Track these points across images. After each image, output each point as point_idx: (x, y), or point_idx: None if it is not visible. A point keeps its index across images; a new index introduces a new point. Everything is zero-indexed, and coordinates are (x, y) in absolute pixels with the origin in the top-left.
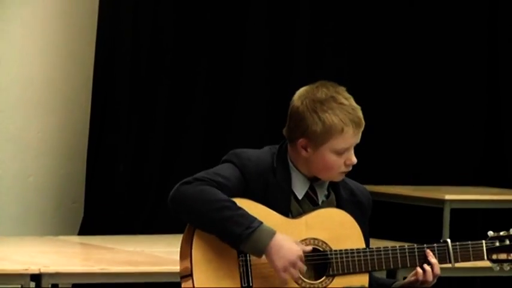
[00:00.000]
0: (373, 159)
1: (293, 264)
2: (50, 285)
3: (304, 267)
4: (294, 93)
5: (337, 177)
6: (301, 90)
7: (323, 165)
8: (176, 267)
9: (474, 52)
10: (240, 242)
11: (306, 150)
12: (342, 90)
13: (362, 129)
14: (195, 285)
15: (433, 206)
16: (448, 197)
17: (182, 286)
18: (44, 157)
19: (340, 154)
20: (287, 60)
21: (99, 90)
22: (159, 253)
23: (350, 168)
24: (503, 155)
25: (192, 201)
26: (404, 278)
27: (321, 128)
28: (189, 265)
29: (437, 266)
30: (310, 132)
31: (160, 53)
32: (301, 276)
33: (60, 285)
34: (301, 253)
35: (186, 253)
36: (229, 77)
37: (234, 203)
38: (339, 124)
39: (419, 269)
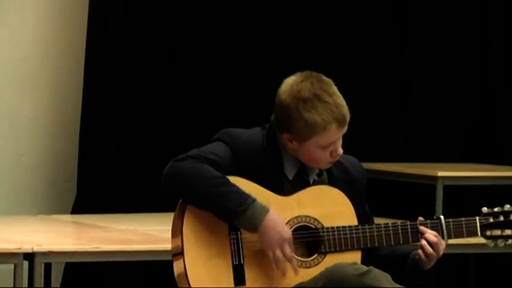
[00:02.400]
0: (365, 136)
1: (281, 245)
2: (43, 264)
3: (290, 253)
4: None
5: (325, 167)
6: (287, 82)
7: (309, 158)
8: (169, 246)
9: (464, 29)
10: (234, 217)
11: (292, 142)
12: (327, 85)
13: (347, 124)
14: (186, 263)
15: (426, 183)
16: (440, 173)
17: (174, 264)
18: (36, 136)
19: (325, 148)
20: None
21: (92, 69)
22: (152, 231)
23: (337, 159)
24: (496, 131)
25: (186, 178)
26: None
27: (304, 126)
28: (180, 243)
29: (434, 240)
30: (293, 130)
31: (153, 31)
32: (290, 257)
33: (53, 264)
34: (290, 236)
35: (177, 231)
36: (222, 58)
37: (228, 179)
38: (322, 123)
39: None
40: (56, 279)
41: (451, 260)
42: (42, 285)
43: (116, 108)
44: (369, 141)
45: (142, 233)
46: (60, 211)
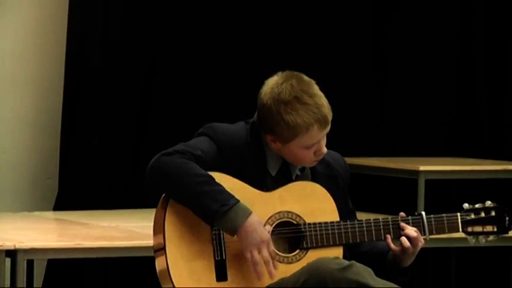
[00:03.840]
0: (346, 131)
1: (259, 248)
2: (25, 261)
3: (267, 256)
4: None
5: (310, 165)
6: (268, 84)
7: (293, 157)
8: (151, 242)
9: (444, 21)
10: (215, 218)
11: (275, 143)
12: (308, 86)
13: (329, 124)
14: (168, 259)
15: (408, 177)
16: (422, 168)
17: (156, 260)
18: (17, 133)
19: (308, 148)
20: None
21: (72, 65)
22: (134, 228)
23: (321, 157)
24: (478, 124)
25: (171, 173)
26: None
27: (285, 129)
28: (162, 239)
29: (414, 235)
30: (275, 132)
31: (133, 24)
32: (274, 249)
33: (35, 261)
34: (269, 240)
35: (159, 227)
36: (203, 52)
37: (213, 178)
38: (303, 125)
39: (403, 240)
40: (39, 276)
41: (433, 253)
42: (25, 283)
43: (97, 104)
44: (350, 136)
45: (124, 230)
46: (43, 208)
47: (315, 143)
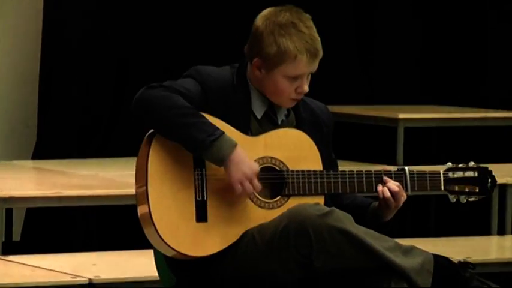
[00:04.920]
0: (325, 78)
1: (250, 179)
2: (4, 210)
3: (258, 186)
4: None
5: (287, 103)
6: (266, 10)
7: (274, 89)
8: (130, 190)
9: None
10: (202, 148)
11: (260, 70)
12: (306, 18)
13: (318, 59)
14: (150, 197)
15: (387, 125)
16: (402, 115)
17: (137, 198)
18: None
19: (291, 80)
20: None
21: (51, 15)
22: (113, 176)
23: (301, 96)
24: (457, 71)
25: (157, 105)
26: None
27: (275, 51)
28: (144, 178)
29: (396, 189)
30: (264, 54)
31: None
32: (256, 194)
33: (14, 210)
34: (258, 170)
35: (142, 166)
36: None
37: (197, 111)
38: (293, 50)
39: (385, 191)
40: (17, 228)
41: (412, 202)
42: (3, 232)
43: (75, 52)
44: (329, 84)
45: (103, 178)
46: (21, 157)
47: (299, 76)
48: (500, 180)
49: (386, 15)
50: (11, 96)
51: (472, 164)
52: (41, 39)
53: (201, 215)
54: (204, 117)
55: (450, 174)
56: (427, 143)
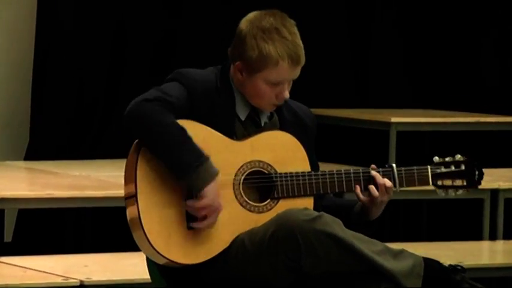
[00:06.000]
0: (318, 81)
1: (213, 214)
2: None
3: (213, 223)
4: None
5: (267, 108)
6: (251, 14)
7: (254, 93)
8: (123, 192)
9: None
10: (186, 172)
11: (242, 74)
12: (290, 24)
13: (300, 66)
14: (140, 207)
15: (379, 129)
16: (394, 119)
17: (127, 208)
18: None
19: (272, 86)
20: None
21: (44, 13)
22: (106, 177)
23: (281, 102)
24: (449, 76)
25: (149, 120)
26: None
27: (257, 56)
28: (133, 187)
29: (388, 185)
30: (246, 57)
31: None
32: (246, 198)
33: (6, 210)
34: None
35: (130, 173)
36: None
37: (185, 131)
38: (275, 56)
39: (372, 189)
40: (9, 229)
41: (404, 206)
42: None
43: (69, 52)
44: (322, 87)
45: (95, 179)
46: (14, 157)
47: (280, 82)
48: (492, 185)
49: (380, 19)
50: (3, 96)
51: (458, 157)
52: (35, 41)
53: (192, 223)
54: (190, 138)
55: (437, 169)
56: (420, 147)
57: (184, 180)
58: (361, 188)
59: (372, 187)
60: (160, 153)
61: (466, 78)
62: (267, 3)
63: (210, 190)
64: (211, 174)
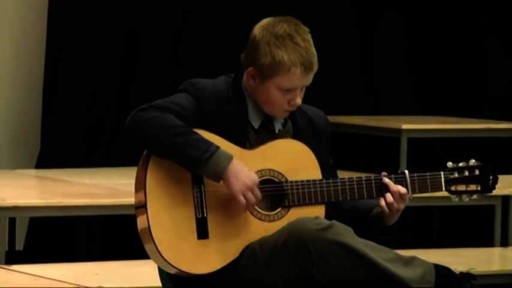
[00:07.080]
0: (329, 89)
1: (251, 189)
2: (7, 219)
3: (260, 195)
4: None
5: (280, 114)
6: (265, 20)
7: (266, 99)
8: (133, 200)
9: None
10: (198, 165)
11: (254, 80)
12: (304, 31)
13: (312, 73)
14: (149, 218)
15: (390, 136)
16: (405, 126)
17: (137, 218)
18: None
19: (284, 92)
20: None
21: (55, 22)
22: (116, 185)
23: (293, 109)
24: (459, 82)
25: (147, 127)
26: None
27: (269, 62)
28: (143, 197)
29: (402, 192)
30: (259, 63)
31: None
32: (256, 207)
33: (17, 219)
34: (257, 180)
35: (140, 185)
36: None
37: (190, 128)
38: (288, 63)
39: (388, 197)
40: (20, 238)
41: (414, 212)
42: (7, 241)
43: (79, 61)
44: (333, 94)
45: (106, 187)
46: (25, 165)
47: (292, 89)
48: (503, 191)
49: (389, 26)
50: (15, 105)
51: (472, 162)
52: (45, 49)
53: (202, 232)
54: (197, 133)
55: (451, 174)
56: (430, 154)
57: (201, 174)
58: (374, 195)
59: (388, 195)
60: (168, 156)
61: (476, 84)
62: (279, 9)
63: (230, 174)
64: (225, 160)
